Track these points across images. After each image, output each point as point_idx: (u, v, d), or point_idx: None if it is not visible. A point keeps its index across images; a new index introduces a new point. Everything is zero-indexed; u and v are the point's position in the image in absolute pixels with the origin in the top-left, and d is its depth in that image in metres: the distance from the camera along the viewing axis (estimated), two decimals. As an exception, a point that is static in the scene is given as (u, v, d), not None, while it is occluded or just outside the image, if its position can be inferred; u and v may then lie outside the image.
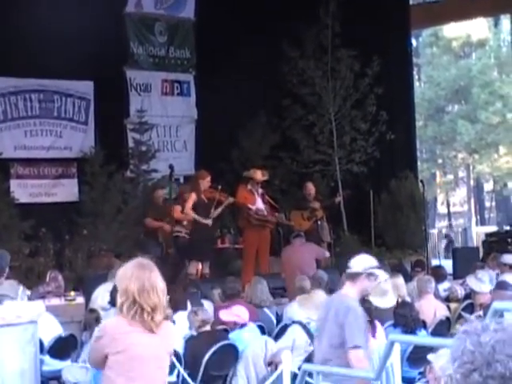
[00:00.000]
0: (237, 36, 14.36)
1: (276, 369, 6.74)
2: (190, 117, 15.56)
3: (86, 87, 14.16)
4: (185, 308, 8.22)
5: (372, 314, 6.24)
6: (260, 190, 12.35)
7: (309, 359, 6.74)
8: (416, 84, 31.46)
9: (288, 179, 15.23)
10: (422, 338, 7.09)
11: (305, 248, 11.41)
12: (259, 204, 12.24)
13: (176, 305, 8.29)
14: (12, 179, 13.33)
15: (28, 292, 7.80)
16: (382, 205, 15.05)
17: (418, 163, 19.62)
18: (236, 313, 7.81)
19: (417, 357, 6.88)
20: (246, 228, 12.41)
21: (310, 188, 13.54)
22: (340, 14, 14.52)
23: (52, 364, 7.64)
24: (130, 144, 14.28)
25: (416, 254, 14.20)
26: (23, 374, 5.34)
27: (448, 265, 13.55)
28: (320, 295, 7.35)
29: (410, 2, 17.77)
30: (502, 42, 37.80)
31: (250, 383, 7.28)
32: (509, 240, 15.34)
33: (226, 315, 7.84)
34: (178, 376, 7.09)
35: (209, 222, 11.69)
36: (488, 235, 17.09)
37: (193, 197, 11.71)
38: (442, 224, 39.87)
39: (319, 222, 13.39)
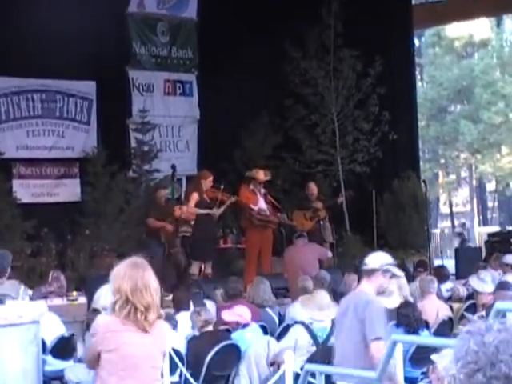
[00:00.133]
0: (239, 36, 14.35)
1: (278, 369, 6.73)
2: (193, 117, 15.55)
3: (88, 87, 14.15)
4: (187, 308, 8.22)
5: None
6: (262, 190, 12.34)
7: (311, 359, 6.74)
8: (418, 84, 31.41)
9: (290, 179, 15.22)
10: (425, 338, 7.09)
11: (307, 248, 11.41)
12: (261, 204, 12.23)
13: (179, 305, 8.31)
14: (14, 179, 13.32)
15: (30, 292, 7.80)
16: (385, 205, 15.05)
17: (421, 163, 19.61)
18: (238, 313, 7.80)
19: (419, 357, 6.88)
20: (249, 228, 12.40)
21: (313, 188, 13.53)
22: (342, 13, 14.53)
23: (54, 364, 7.62)
24: (133, 144, 14.27)
25: (418, 254, 14.19)
26: (25, 373, 5.33)
27: (450, 265, 13.55)
28: (322, 295, 7.33)
29: (413, 2, 17.75)
30: (504, 42, 37.67)
31: (252, 383, 7.27)
32: (511, 240, 15.33)
33: (228, 315, 7.83)
34: (180, 376, 7.10)
35: (215, 211, 11.68)
36: (490, 235, 17.10)
37: (195, 197, 11.71)
38: (444, 224, 39.80)
39: (322, 222, 13.37)
